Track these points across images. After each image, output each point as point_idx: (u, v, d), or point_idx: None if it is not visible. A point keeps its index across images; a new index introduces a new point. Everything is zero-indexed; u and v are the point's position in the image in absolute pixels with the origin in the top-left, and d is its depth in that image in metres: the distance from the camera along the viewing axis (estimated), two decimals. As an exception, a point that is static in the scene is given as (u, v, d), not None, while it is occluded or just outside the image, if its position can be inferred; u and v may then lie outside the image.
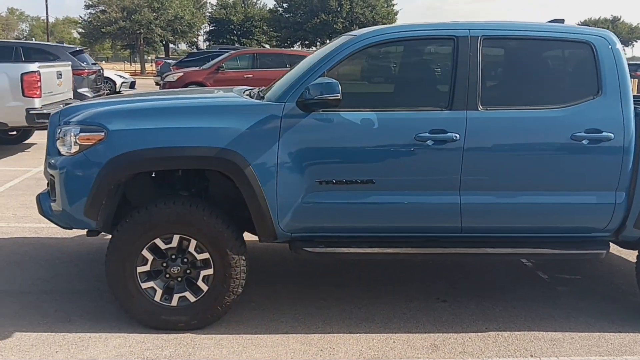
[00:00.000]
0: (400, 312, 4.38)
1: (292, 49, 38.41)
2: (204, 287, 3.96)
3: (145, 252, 3.91)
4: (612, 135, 3.96)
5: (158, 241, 3.91)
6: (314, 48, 50.47)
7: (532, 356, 3.83)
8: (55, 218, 4.08)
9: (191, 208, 3.86)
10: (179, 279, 3.98)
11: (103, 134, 3.81)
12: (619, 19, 72.29)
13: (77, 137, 3.84)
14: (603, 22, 71.80)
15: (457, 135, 3.90)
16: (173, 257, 3.94)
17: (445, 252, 4.08)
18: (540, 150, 3.99)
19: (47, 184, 4.29)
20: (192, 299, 3.97)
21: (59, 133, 3.99)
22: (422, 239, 4.13)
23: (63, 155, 3.93)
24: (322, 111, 3.87)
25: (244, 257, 3.97)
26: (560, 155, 3.99)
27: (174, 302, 3.97)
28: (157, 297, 3.97)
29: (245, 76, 18.12)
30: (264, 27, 58.62)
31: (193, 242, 3.91)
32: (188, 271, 3.97)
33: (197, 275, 3.96)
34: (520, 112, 4.00)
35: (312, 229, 4.01)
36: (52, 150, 4.07)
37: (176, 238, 3.91)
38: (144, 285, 3.95)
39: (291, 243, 4.06)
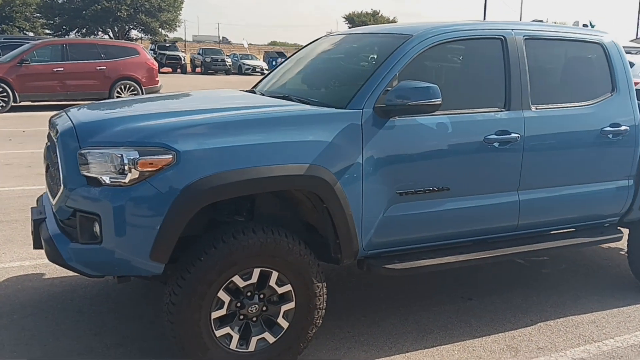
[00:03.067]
0: (444, 317, 4.31)
1: (89, 38, 34.88)
2: (284, 324, 3.44)
3: (222, 294, 3.26)
4: (627, 128, 4.34)
5: (237, 278, 3.28)
6: (93, 36, 46.72)
7: (594, 340, 4.04)
8: (86, 265, 3.19)
9: (274, 236, 3.31)
10: (254, 319, 3.40)
11: (171, 156, 3.06)
12: (379, 13, 79.14)
13: (137, 162, 3.03)
14: (365, 15, 77.93)
15: (518, 135, 3.93)
16: (249, 294, 3.35)
17: (518, 252, 4.09)
18: (580, 145, 4.22)
19: (58, 220, 3.35)
20: (271, 339, 3.43)
21: (90, 158, 3.12)
22: (475, 242, 4.09)
23: (106, 185, 3.08)
24: (399, 117, 3.59)
25: (325, 285, 3.53)
26: (594, 149, 4.27)
27: (252, 347, 3.39)
28: (233, 345, 3.35)
29: (55, 69, 16.13)
30: (27, 14, 52.53)
31: (274, 275, 3.37)
32: (264, 308, 3.41)
33: (277, 312, 3.42)
34: (563, 110, 4.18)
35: (389, 243, 3.73)
36: (74, 179, 3.17)
37: (256, 272, 3.33)
38: (219, 333, 3.30)
39: (362, 261, 3.72)
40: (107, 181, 3.08)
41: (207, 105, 3.87)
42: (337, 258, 3.58)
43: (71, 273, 4.63)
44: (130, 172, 3.04)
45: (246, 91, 4.76)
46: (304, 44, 5.21)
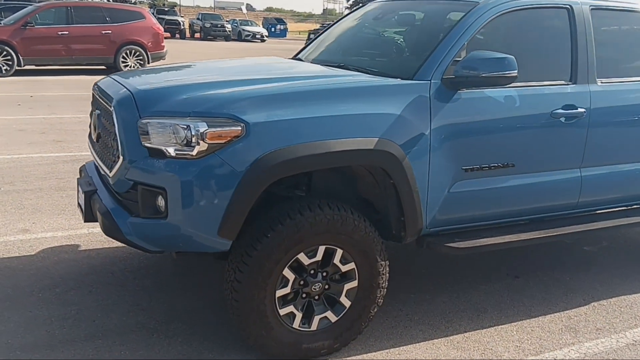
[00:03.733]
0: (496, 296, 4.21)
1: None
2: (347, 303, 3.33)
3: (287, 272, 3.14)
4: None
5: (302, 256, 3.15)
6: None
7: (651, 322, 3.97)
8: (148, 240, 3.05)
9: (341, 212, 3.17)
10: (317, 297, 3.28)
11: (240, 128, 2.90)
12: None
13: (205, 134, 2.87)
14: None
15: (584, 110, 3.79)
16: (312, 272, 3.23)
17: (576, 231, 3.97)
18: (640, 120, 4.07)
19: (115, 193, 3.20)
20: (333, 318, 3.31)
21: (152, 128, 2.96)
22: (531, 220, 3.97)
23: (172, 157, 2.92)
24: (466, 90, 3.43)
25: (388, 263, 3.41)
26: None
27: (314, 326, 3.28)
28: (296, 323, 3.24)
29: (60, 33, 15.76)
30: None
31: (339, 252, 3.24)
32: (327, 287, 3.30)
33: (340, 290, 3.30)
34: (626, 85, 4.02)
35: (451, 221, 3.61)
36: (134, 150, 3.01)
37: (321, 250, 3.20)
38: (283, 312, 3.19)
39: (422, 239, 3.59)
40: (172, 153, 2.92)
41: (265, 75, 3.69)
42: (400, 236, 3.45)
43: (108, 244, 4.57)
44: (198, 144, 2.87)
45: (292, 59, 4.58)
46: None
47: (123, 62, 16.26)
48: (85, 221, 3.50)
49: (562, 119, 3.72)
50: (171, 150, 2.92)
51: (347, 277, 3.31)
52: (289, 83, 3.31)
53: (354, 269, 3.31)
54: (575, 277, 4.60)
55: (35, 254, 4.47)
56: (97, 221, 3.36)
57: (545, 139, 3.72)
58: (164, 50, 17.29)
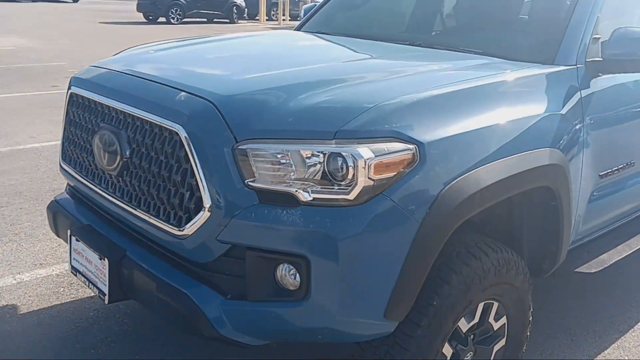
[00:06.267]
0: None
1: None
2: (494, 369, 2.50)
3: (445, 348, 2.21)
4: None
5: (462, 322, 2.24)
6: None
7: None
8: (257, 334, 1.95)
9: (504, 255, 2.29)
10: (465, 368, 2.41)
11: (412, 152, 1.88)
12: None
13: (370, 165, 1.81)
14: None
15: None
16: (463, 340, 2.33)
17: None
18: None
19: (174, 259, 2.01)
20: (479, 392, 2.46)
21: (262, 159, 1.84)
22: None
23: (309, 204, 1.83)
24: (603, 76, 2.70)
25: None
26: None
27: (464, 410, 2.40)
28: (450, 411, 2.35)
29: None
30: None
31: (495, 307, 2.38)
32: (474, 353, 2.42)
33: (488, 355, 2.45)
34: None
35: (577, 239, 2.90)
36: (235, 195, 1.87)
37: (480, 308, 2.31)
38: (436, 403, 2.26)
39: None
40: (309, 198, 1.82)
41: (359, 66, 2.60)
42: (544, 269, 2.66)
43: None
44: (356, 181, 1.81)
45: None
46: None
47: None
48: (109, 302, 2.23)
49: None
50: (305, 194, 1.82)
51: (496, 336, 2.46)
52: (422, 78, 2.30)
53: (504, 324, 2.46)
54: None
55: None
56: (132, 300, 2.14)
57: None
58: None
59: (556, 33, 2.67)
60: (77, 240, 2.36)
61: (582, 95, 2.55)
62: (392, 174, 1.84)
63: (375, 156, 1.81)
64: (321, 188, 1.83)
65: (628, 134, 2.91)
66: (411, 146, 1.88)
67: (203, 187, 1.89)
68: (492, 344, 2.45)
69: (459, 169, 1.97)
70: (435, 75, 2.35)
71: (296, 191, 1.83)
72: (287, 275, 1.89)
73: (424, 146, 1.89)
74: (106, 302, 2.21)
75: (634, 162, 3.02)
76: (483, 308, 2.32)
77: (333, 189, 1.82)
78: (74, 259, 2.39)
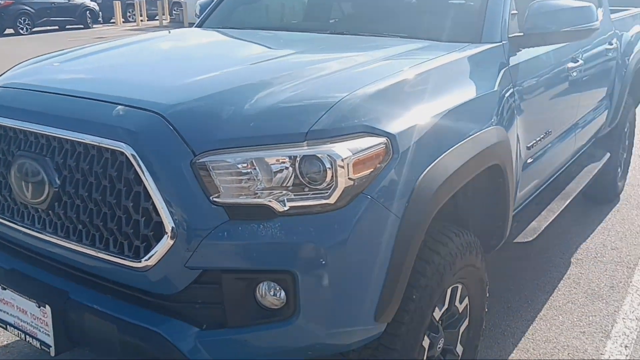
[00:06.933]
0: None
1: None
2: (460, 350, 2.50)
3: (425, 340, 2.16)
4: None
5: (436, 311, 2.21)
6: None
7: None
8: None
9: (468, 238, 2.28)
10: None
11: (384, 146, 1.79)
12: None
13: (349, 164, 1.69)
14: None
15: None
16: (439, 325, 2.30)
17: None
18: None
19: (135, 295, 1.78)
20: (448, 375, 2.46)
21: (223, 170, 1.68)
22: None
23: (286, 214, 1.68)
24: (522, 50, 2.78)
25: (484, 284, 2.66)
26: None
27: (441, 396, 2.39)
28: (428, 405, 2.31)
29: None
30: None
31: (459, 289, 2.37)
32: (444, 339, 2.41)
33: (455, 338, 2.45)
34: None
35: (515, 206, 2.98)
36: (201, 214, 1.69)
37: (448, 293, 2.29)
38: (418, 397, 2.22)
39: None
40: (284, 207, 1.68)
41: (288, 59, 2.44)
42: (492, 245, 2.70)
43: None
44: (335, 183, 1.69)
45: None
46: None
47: None
48: (57, 353, 1.94)
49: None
50: (280, 204, 1.67)
51: (461, 317, 2.46)
52: (372, 68, 2.21)
53: (467, 305, 2.47)
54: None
55: None
56: (82, 347, 1.88)
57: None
58: None
59: (478, 12, 2.70)
60: (2, 288, 2.03)
61: (510, 71, 2.60)
62: (369, 171, 1.75)
63: (353, 154, 1.70)
64: (296, 195, 1.69)
65: (547, 105, 3.03)
66: (383, 139, 1.79)
67: (162, 210, 1.68)
68: (459, 326, 2.44)
69: (428, 158, 1.92)
70: (383, 64, 2.26)
71: (270, 202, 1.67)
72: (268, 294, 1.74)
73: (395, 138, 1.81)
74: (52, 354, 1.92)
75: (551, 131, 3.15)
76: (451, 293, 2.30)
77: (310, 194, 1.69)
78: (1, 310, 2.06)
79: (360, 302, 1.78)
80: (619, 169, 4.96)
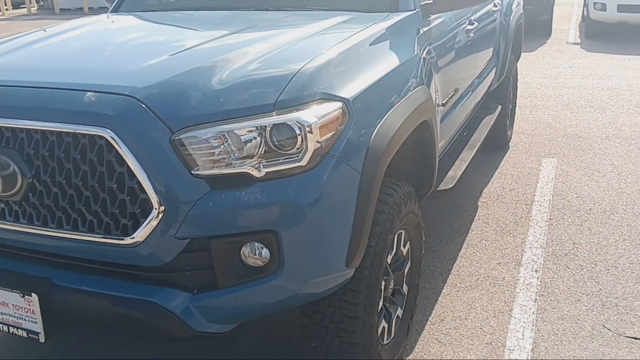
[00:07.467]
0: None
1: None
2: (406, 289, 2.80)
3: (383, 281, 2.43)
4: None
5: (388, 256, 2.47)
6: None
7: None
8: (234, 319, 1.97)
9: (406, 188, 2.56)
10: (391, 296, 2.67)
11: (341, 109, 2.00)
12: None
13: (315, 128, 1.88)
14: None
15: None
16: (389, 268, 2.58)
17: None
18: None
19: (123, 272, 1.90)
20: (400, 312, 2.76)
21: (203, 144, 1.83)
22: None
23: (263, 179, 1.86)
24: (433, 16, 3.08)
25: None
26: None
27: (394, 330, 2.68)
28: (385, 338, 2.60)
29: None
30: None
31: (403, 235, 2.65)
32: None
33: (402, 279, 2.74)
34: None
35: None
36: (184, 188, 1.82)
37: (395, 239, 2.56)
38: (379, 331, 2.49)
39: None
40: (260, 173, 1.85)
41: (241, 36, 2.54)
42: (422, 194, 3.00)
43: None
44: (305, 146, 1.88)
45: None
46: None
47: None
48: (47, 339, 1.99)
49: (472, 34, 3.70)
50: (257, 170, 1.84)
51: (405, 260, 2.75)
52: (314, 41, 2.38)
53: (409, 248, 2.77)
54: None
55: None
56: (70, 328, 1.97)
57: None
58: None
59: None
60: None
61: (425, 36, 2.88)
62: (331, 133, 1.95)
63: (318, 119, 1.89)
64: (270, 162, 1.86)
65: (454, 65, 3.35)
66: (340, 104, 2.00)
67: (147, 187, 1.79)
68: (403, 268, 2.73)
69: (377, 118, 2.15)
70: (323, 36, 2.45)
71: (247, 169, 1.83)
72: (251, 254, 1.90)
73: (349, 102, 2.03)
74: (42, 340, 1.98)
75: (458, 89, 3.50)
76: (397, 239, 2.58)
77: (282, 159, 1.87)
78: (-24, 305, 2.07)
79: (334, 251, 2.00)
80: (508, 120, 5.49)
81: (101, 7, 22.02)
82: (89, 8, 21.52)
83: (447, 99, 3.22)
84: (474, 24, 3.74)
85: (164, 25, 3.00)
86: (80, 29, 2.80)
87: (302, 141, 1.87)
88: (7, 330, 2.04)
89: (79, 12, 21.51)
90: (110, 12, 3.45)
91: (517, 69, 5.75)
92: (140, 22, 3.08)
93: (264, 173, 1.85)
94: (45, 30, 2.76)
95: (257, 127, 1.85)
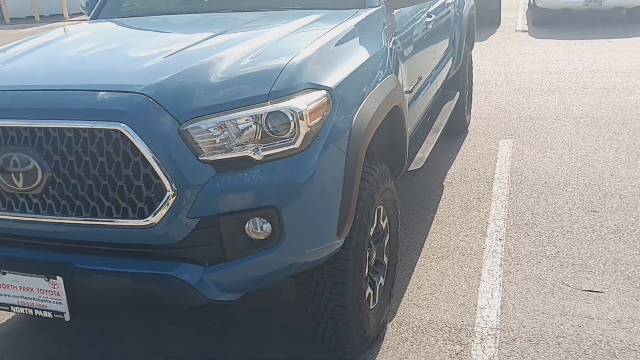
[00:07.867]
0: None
1: None
2: (386, 260, 3.08)
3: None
4: None
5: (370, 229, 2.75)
6: None
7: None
8: (242, 287, 2.22)
9: (383, 167, 2.84)
10: (374, 267, 2.95)
11: (326, 97, 2.26)
12: None
13: (306, 114, 2.13)
14: None
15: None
16: (370, 241, 2.86)
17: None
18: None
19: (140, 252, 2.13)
20: (382, 281, 3.04)
21: (208, 131, 2.07)
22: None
23: (264, 161, 2.11)
24: (396, 10, 3.37)
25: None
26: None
27: (378, 296, 2.96)
28: (372, 304, 2.87)
29: None
30: None
31: (382, 210, 2.93)
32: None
33: (382, 250, 3.02)
34: None
35: None
36: (193, 172, 2.06)
37: (375, 214, 2.83)
38: (366, 295, 2.77)
39: None
40: (260, 156, 2.10)
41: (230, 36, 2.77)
42: (395, 174, 3.28)
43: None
44: (298, 131, 2.13)
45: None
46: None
47: None
48: (71, 318, 2.20)
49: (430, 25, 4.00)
50: (256, 154, 2.09)
51: (384, 233, 3.04)
52: (296, 37, 2.64)
53: (387, 222, 3.05)
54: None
55: None
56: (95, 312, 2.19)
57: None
58: None
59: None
60: (2, 274, 2.22)
61: (390, 29, 3.16)
62: (319, 118, 2.21)
63: (307, 106, 2.15)
64: (267, 146, 2.11)
65: (417, 55, 3.65)
66: (324, 92, 2.26)
67: (161, 173, 2.02)
68: (383, 240, 3.01)
69: (356, 105, 2.42)
70: (302, 34, 2.70)
71: (248, 154, 2.08)
72: (254, 228, 2.14)
73: (332, 90, 2.29)
74: (67, 319, 2.19)
75: (421, 77, 3.80)
76: (377, 214, 2.85)
77: (277, 143, 2.12)
78: (2, 294, 2.26)
79: (327, 222, 2.26)
80: (465, 105, 5.84)
81: (52, 14, 21.78)
82: (40, 16, 21.22)
83: (412, 86, 3.51)
84: (431, 16, 4.05)
85: (148, 30, 3.21)
86: (71, 36, 2.99)
87: (294, 126, 2.12)
88: (32, 313, 2.24)
89: (29, 20, 21.18)
90: (90, 19, 3.62)
91: (471, 57, 6.10)
92: (124, 28, 3.28)
93: (263, 156, 2.10)
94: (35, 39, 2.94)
95: (253, 115, 2.09)
